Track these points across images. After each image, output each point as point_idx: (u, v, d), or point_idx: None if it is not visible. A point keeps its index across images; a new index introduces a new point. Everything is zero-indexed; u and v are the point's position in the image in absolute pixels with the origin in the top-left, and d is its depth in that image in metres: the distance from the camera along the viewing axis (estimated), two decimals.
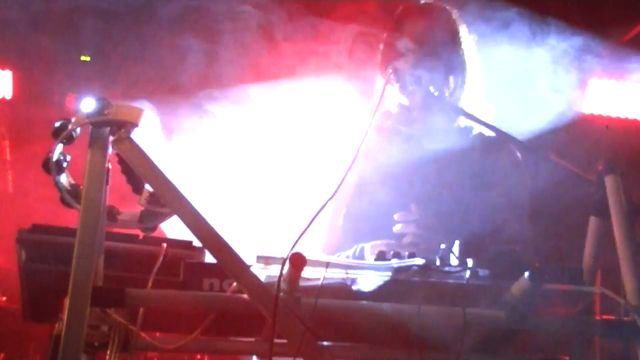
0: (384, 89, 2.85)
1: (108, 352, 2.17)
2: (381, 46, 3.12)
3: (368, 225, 2.91)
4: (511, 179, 2.98)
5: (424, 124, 3.03)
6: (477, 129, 3.07)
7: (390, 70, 2.93)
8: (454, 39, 3.08)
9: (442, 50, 3.02)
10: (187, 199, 2.12)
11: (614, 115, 6.13)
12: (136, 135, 2.14)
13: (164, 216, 2.24)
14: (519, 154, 3.02)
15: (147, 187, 2.22)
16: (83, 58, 5.91)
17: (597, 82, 6.04)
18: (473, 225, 2.80)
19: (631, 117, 6.16)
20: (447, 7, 3.12)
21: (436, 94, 2.91)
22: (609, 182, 2.30)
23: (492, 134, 3.01)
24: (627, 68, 6.05)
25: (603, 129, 6.03)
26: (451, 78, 3.04)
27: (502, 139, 2.96)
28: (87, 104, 2.11)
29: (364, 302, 2.20)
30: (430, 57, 2.98)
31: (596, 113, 6.11)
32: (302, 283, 2.13)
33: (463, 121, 3.07)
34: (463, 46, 3.09)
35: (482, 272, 2.25)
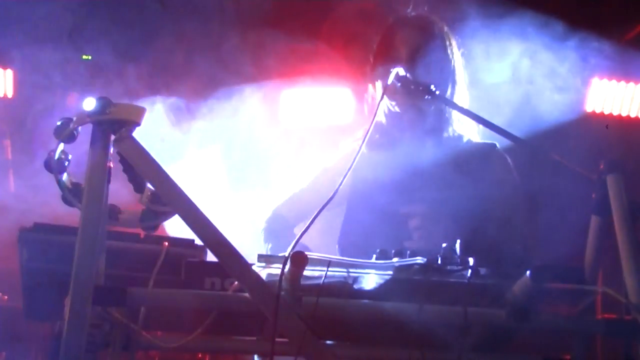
0: (383, 93, 2.87)
1: (110, 351, 2.17)
2: (375, 51, 3.12)
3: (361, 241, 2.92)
4: (503, 182, 2.99)
5: (417, 130, 3.03)
6: (467, 136, 3.07)
7: (391, 72, 2.94)
8: (449, 40, 3.09)
9: (439, 49, 3.03)
10: (188, 198, 2.12)
11: (616, 114, 6.12)
12: (138, 134, 2.14)
13: (166, 215, 2.24)
14: (508, 158, 3.03)
15: (149, 186, 2.22)
16: (84, 57, 5.91)
17: (600, 81, 6.04)
18: (470, 228, 2.81)
19: (633, 115, 6.16)
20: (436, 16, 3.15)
21: (437, 92, 2.92)
22: (610, 181, 2.30)
23: (481, 140, 3.03)
24: (629, 67, 6.04)
25: (605, 128, 6.03)
26: (448, 78, 3.04)
27: (491, 144, 2.99)
28: (89, 103, 2.11)
29: (365, 301, 2.20)
30: (429, 58, 2.99)
31: (598, 112, 6.11)
32: (303, 282, 2.13)
33: (453, 129, 3.08)
34: (456, 48, 3.10)
35: (483, 271, 2.25)
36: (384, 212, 2.92)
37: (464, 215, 2.86)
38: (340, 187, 2.94)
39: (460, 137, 3.08)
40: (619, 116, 6.14)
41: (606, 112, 6.10)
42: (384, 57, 3.04)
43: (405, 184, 2.95)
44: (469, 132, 3.09)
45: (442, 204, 2.88)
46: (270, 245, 3.12)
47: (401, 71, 2.90)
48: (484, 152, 3.03)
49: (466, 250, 2.29)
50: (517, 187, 3.03)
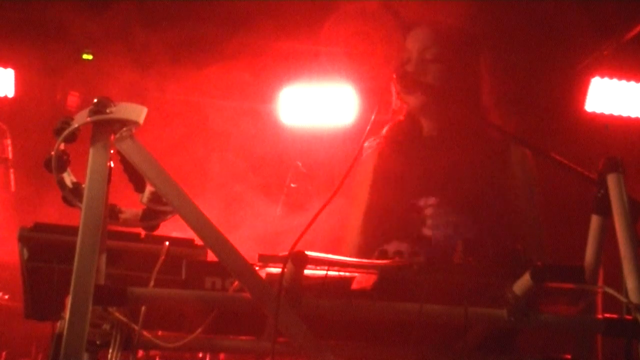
0: (395, 90, 2.89)
1: (110, 351, 2.17)
2: (393, 50, 3.13)
3: (386, 225, 2.92)
4: (522, 179, 2.99)
5: (438, 126, 3.04)
6: (487, 132, 3.07)
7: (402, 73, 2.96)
8: (466, 42, 3.10)
9: (457, 52, 3.04)
10: (188, 197, 2.12)
11: (616, 113, 6.13)
12: (138, 133, 2.14)
13: (166, 214, 2.24)
14: (527, 155, 3.02)
15: (149, 185, 2.22)
16: (85, 56, 5.91)
17: (600, 80, 6.04)
18: (483, 224, 2.81)
19: (633, 115, 6.17)
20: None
21: (454, 94, 2.93)
22: (610, 180, 2.30)
23: (501, 136, 3.03)
24: (629, 67, 6.05)
25: (605, 128, 6.04)
26: (465, 80, 3.05)
27: (512, 141, 2.99)
28: (89, 103, 2.11)
29: (366, 300, 2.20)
30: (446, 59, 3.00)
31: (598, 111, 6.11)
32: (303, 282, 2.13)
33: (474, 124, 3.08)
34: (472, 50, 3.11)
35: (484, 270, 2.25)
36: (401, 204, 2.93)
37: (474, 210, 2.86)
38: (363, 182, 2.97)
39: (479, 131, 3.08)
40: (619, 115, 6.15)
41: (606, 113, 6.11)
42: (408, 50, 3.05)
43: (423, 179, 2.96)
44: (485, 130, 3.09)
45: (454, 197, 2.89)
46: None
47: (407, 72, 2.93)
48: (502, 149, 3.03)
49: (468, 249, 2.29)
50: (533, 185, 3.02)
